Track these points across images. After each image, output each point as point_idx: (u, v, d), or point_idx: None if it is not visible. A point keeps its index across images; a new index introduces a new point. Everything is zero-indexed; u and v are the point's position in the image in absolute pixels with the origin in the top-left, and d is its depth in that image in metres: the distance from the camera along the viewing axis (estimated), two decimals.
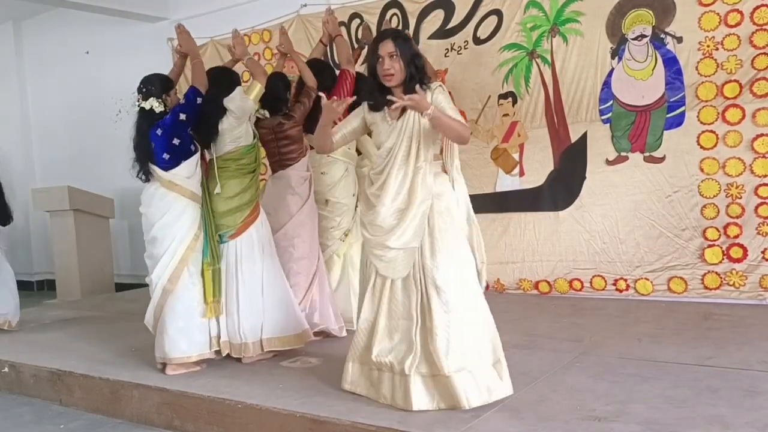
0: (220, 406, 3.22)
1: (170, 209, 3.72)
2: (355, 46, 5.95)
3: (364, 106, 3.11)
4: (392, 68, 2.90)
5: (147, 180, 3.78)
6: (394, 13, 5.92)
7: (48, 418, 3.77)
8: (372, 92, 3.04)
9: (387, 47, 2.91)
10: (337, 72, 4.51)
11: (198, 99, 3.79)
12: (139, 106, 3.75)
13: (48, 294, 7.99)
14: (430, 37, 5.76)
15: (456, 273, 2.91)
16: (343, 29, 6.12)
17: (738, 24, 4.49)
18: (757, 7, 4.43)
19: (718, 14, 4.55)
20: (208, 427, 3.26)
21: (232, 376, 3.57)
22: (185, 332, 3.71)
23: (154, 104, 3.71)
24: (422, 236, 2.91)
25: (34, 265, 9.17)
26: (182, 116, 3.73)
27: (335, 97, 4.24)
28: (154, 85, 3.77)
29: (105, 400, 3.74)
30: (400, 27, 5.81)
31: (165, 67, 7.53)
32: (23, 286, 9.00)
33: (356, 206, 4.49)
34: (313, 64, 4.51)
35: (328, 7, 4.69)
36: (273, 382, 3.41)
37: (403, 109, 2.93)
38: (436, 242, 2.90)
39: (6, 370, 4.30)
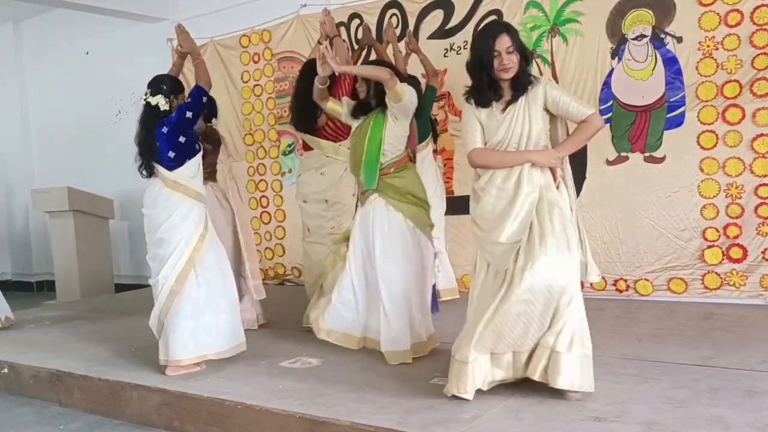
0: (220, 407, 3.22)
1: (177, 210, 3.70)
2: (355, 46, 5.96)
3: (471, 106, 3.03)
4: (511, 62, 2.88)
5: (149, 176, 3.76)
6: (394, 13, 5.92)
7: (47, 418, 3.77)
8: (480, 88, 2.97)
9: (504, 42, 2.88)
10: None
11: (203, 98, 3.80)
12: (145, 100, 3.75)
13: (48, 295, 7.99)
14: (429, 37, 5.76)
15: (564, 267, 2.85)
16: (343, 29, 6.12)
17: (738, 24, 4.49)
18: (758, 7, 4.43)
19: (718, 14, 4.54)
20: (207, 428, 3.26)
21: (232, 377, 3.57)
22: (194, 333, 3.70)
23: (161, 101, 3.71)
24: (528, 228, 2.88)
25: (33, 266, 9.17)
26: (188, 114, 3.73)
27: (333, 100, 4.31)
28: (165, 83, 3.79)
29: (104, 401, 3.73)
30: (399, 27, 5.81)
31: (165, 68, 7.56)
32: (23, 286, 9.05)
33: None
34: (311, 63, 4.51)
35: (325, 8, 4.69)
36: (272, 383, 3.41)
37: (509, 102, 2.95)
38: (545, 235, 2.85)
39: (5, 370, 4.30)
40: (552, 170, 2.97)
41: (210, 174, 4.53)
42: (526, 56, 2.95)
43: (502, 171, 2.95)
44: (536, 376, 2.84)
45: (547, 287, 2.80)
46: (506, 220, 2.90)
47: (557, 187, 2.96)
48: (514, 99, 2.95)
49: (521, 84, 2.93)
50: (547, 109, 2.97)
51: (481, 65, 2.92)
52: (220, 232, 4.15)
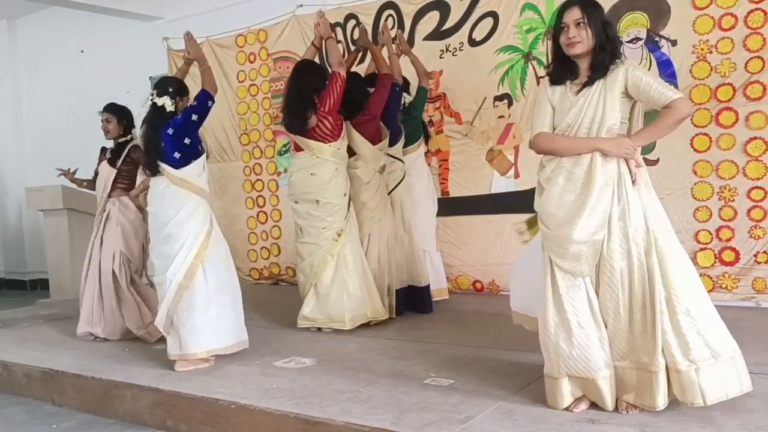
0: (214, 407, 3.22)
1: (184, 207, 3.76)
2: (351, 47, 5.97)
3: (545, 82, 2.85)
4: (578, 36, 2.67)
5: (153, 174, 3.82)
6: (390, 14, 5.93)
7: (40, 417, 3.76)
8: (555, 64, 2.81)
9: (573, 14, 2.69)
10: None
11: (209, 102, 3.85)
12: (151, 101, 3.81)
13: (41, 293, 7.96)
14: (425, 39, 5.77)
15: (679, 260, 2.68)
16: (339, 30, 6.13)
17: (732, 27, 4.51)
18: (751, 11, 4.45)
19: (712, 18, 4.56)
20: (201, 428, 3.25)
21: (226, 377, 3.57)
22: (203, 327, 3.73)
23: (167, 102, 3.79)
24: (606, 226, 2.64)
25: (27, 265, 9.13)
26: (194, 117, 3.80)
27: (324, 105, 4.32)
28: (172, 85, 3.87)
29: (97, 400, 3.73)
30: (395, 28, 5.81)
31: (160, 67, 7.59)
32: (17, 285, 9.01)
33: (348, 205, 4.49)
34: (303, 64, 4.51)
35: (319, 10, 4.69)
36: (266, 383, 3.41)
37: (585, 84, 2.72)
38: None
39: None
40: (627, 162, 2.68)
41: (126, 188, 4.78)
42: (607, 34, 2.69)
43: (570, 157, 2.71)
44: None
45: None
46: (579, 214, 2.64)
47: (633, 183, 2.67)
48: (590, 81, 2.71)
49: (600, 64, 2.69)
50: (629, 95, 2.71)
51: (553, 39, 2.78)
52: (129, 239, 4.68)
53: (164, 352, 4.15)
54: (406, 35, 5.74)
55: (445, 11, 5.66)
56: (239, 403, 3.14)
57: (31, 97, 9.15)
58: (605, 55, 2.70)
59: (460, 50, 5.60)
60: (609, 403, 2.69)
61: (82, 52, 8.40)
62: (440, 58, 5.70)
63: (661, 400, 2.60)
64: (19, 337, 4.99)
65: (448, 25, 5.66)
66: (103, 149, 4.96)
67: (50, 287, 7.40)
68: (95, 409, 3.73)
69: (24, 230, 9.16)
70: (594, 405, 2.77)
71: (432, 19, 5.74)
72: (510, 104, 5.41)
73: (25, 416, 3.80)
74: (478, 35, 5.53)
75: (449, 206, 5.57)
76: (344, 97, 4.42)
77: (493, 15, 5.43)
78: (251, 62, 6.82)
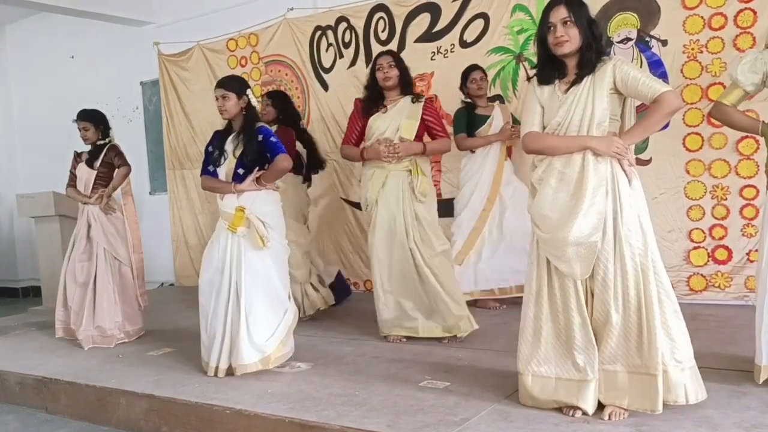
0: (208, 412, 3.20)
1: None
2: (341, 49, 5.97)
3: (533, 83, 2.84)
4: (565, 35, 2.64)
5: None
6: (381, 17, 5.92)
7: (34, 426, 3.73)
8: (542, 64, 2.80)
9: (560, 13, 2.66)
10: None
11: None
12: None
13: (33, 300, 7.92)
14: (416, 41, 5.76)
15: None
16: (330, 33, 6.13)
17: (722, 27, 4.53)
18: (741, 11, 4.47)
19: (702, 17, 4.58)
20: None
21: (220, 382, 3.55)
22: None
23: None
24: (603, 226, 2.61)
25: (19, 272, 9.07)
26: None
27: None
28: None
29: (91, 408, 3.70)
30: (386, 30, 5.81)
31: (150, 72, 7.56)
32: (8, 293, 8.96)
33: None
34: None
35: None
36: (261, 388, 3.39)
37: (574, 82, 2.70)
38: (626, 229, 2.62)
39: None
40: (620, 162, 2.65)
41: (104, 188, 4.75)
42: (593, 32, 2.67)
43: (560, 157, 2.68)
44: None
45: None
46: (575, 215, 2.60)
47: (630, 183, 2.65)
48: (578, 79, 2.69)
49: (587, 62, 2.67)
50: (618, 91, 2.68)
51: (539, 40, 2.76)
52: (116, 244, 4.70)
53: (158, 357, 4.15)
54: (397, 37, 5.74)
55: (435, 13, 5.66)
56: (234, 408, 3.13)
57: (22, 104, 9.10)
58: (592, 53, 2.69)
59: (451, 52, 5.60)
60: (590, 406, 2.68)
61: (72, 57, 8.36)
62: (431, 60, 5.70)
63: (661, 403, 2.59)
64: (12, 344, 4.96)
65: (439, 27, 5.66)
66: (76, 153, 4.93)
67: (42, 294, 7.35)
68: (89, 417, 3.71)
69: (15, 237, 9.11)
70: None
71: (423, 21, 5.73)
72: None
73: (19, 425, 3.77)
74: (469, 37, 5.53)
75: (442, 208, 5.54)
76: None
77: (484, 16, 5.43)
78: (242, 66, 6.81)
